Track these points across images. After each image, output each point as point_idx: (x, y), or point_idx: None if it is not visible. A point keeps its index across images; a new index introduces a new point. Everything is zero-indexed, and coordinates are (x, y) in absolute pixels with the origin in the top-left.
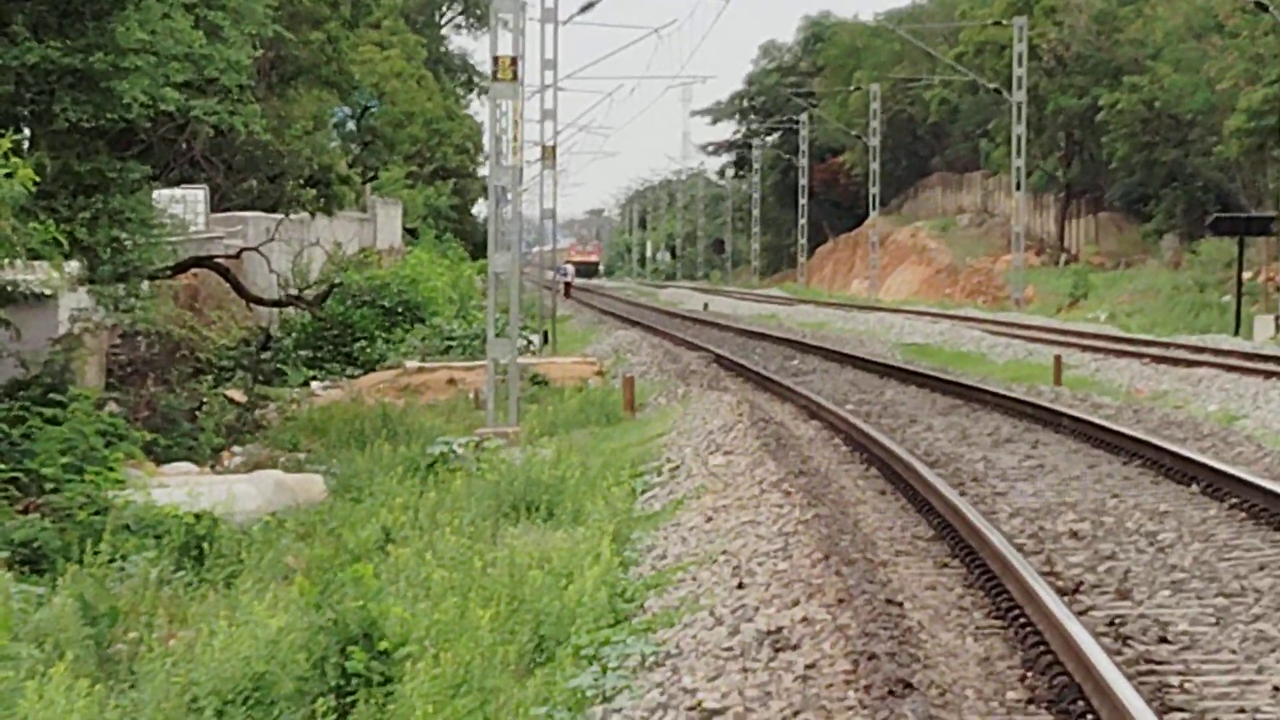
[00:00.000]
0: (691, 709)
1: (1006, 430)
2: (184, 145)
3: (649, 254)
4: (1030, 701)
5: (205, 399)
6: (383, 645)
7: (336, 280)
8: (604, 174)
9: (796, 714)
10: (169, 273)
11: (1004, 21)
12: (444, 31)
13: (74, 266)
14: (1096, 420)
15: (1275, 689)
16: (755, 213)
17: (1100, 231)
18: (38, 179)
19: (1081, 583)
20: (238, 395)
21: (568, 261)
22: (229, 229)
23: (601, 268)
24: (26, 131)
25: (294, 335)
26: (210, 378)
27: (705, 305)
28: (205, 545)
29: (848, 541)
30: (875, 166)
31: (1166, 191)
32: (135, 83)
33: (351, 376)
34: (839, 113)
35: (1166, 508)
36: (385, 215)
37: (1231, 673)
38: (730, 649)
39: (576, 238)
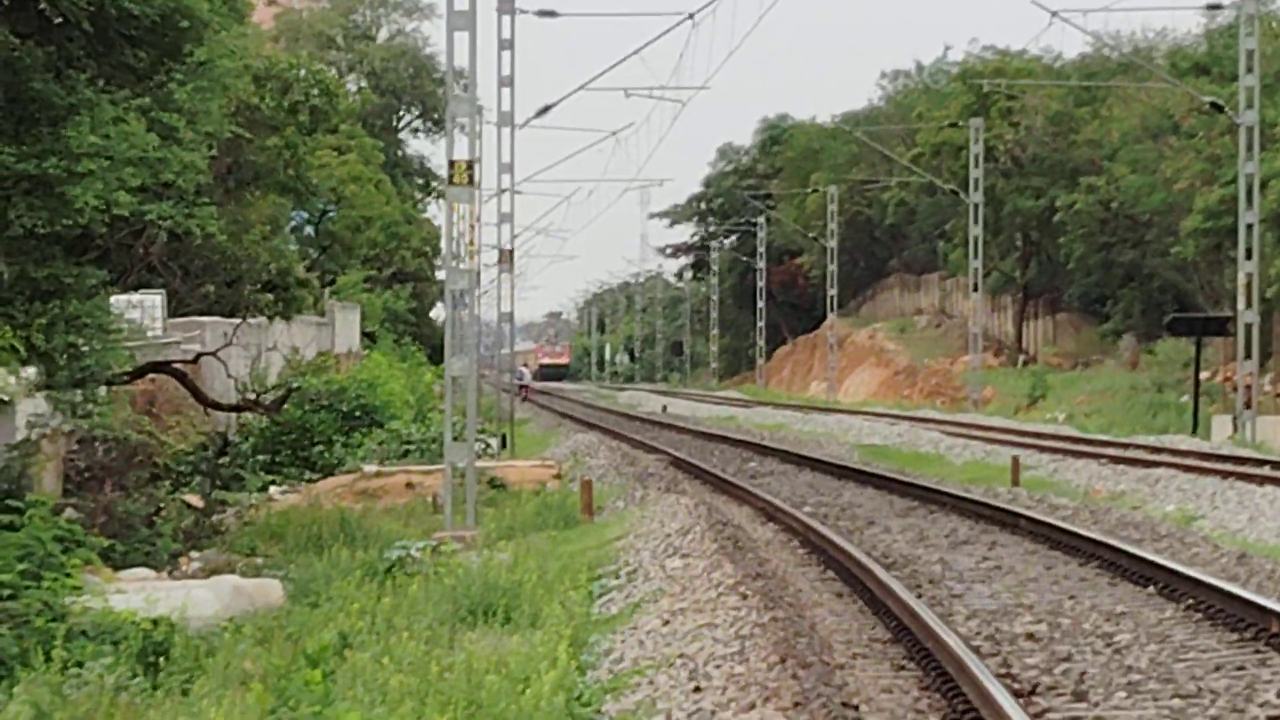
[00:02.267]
0: None
1: (964, 532)
2: (141, 250)
3: (608, 356)
4: None
5: (163, 504)
6: None
7: (294, 385)
8: (563, 277)
9: None
10: (126, 378)
11: (960, 123)
12: (402, 135)
13: (31, 372)
14: (1053, 521)
15: None
16: (714, 315)
17: (1058, 332)
18: None
19: (1038, 684)
20: (195, 500)
21: (537, 363)
22: (186, 334)
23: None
24: None
25: (252, 440)
26: (168, 483)
27: (664, 407)
28: (162, 652)
29: (805, 644)
30: (833, 268)
31: (1124, 292)
32: (89, 188)
33: (309, 481)
34: (796, 214)
35: (1123, 609)
36: (343, 319)
37: None
38: None
39: (544, 338)
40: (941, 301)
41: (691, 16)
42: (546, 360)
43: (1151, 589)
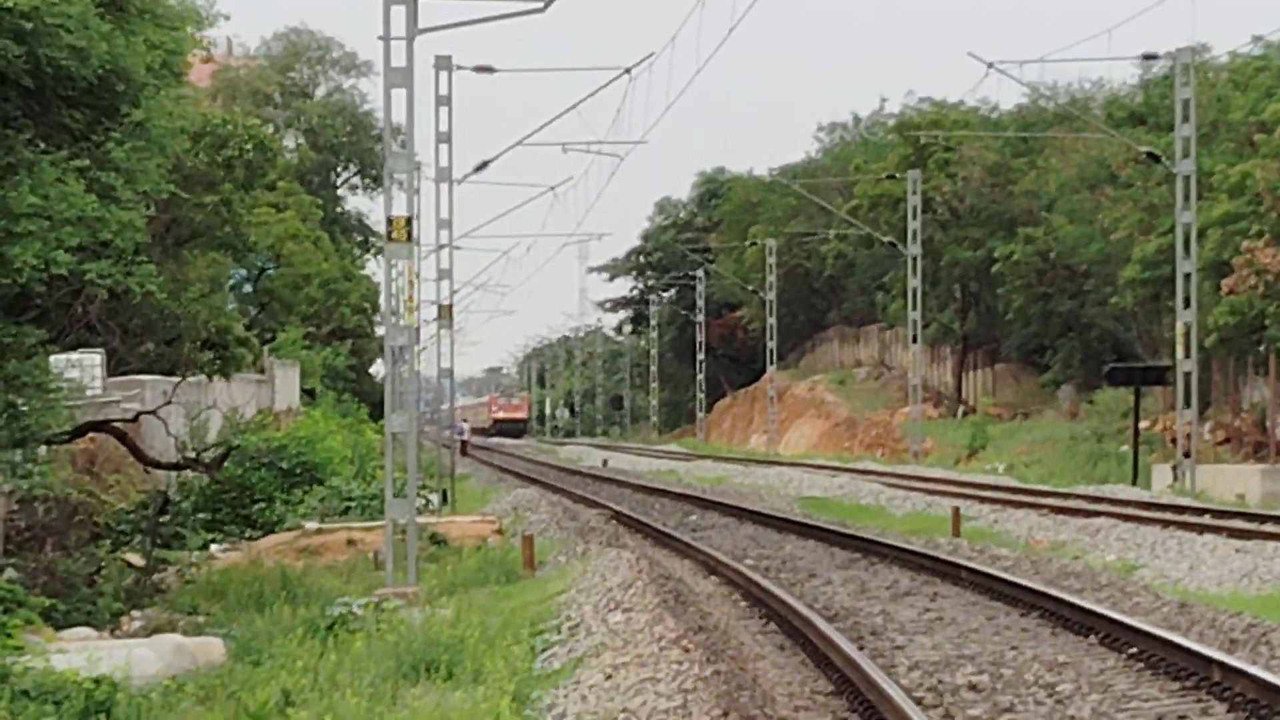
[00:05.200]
0: None
1: (905, 583)
2: (80, 309)
3: (548, 411)
4: None
5: (104, 563)
6: None
7: (234, 443)
8: (502, 332)
9: None
10: (66, 437)
11: (898, 175)
12: (340, 192)
13: None
14: (994, 572)
15: None
16: (653, 369)
17: (998, 382)
18: None
19: None
20: (136, 559)
21: (490, 417)
22: (126, 393)
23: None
24: None
25: (192, 498)
26: (108, 542)
27: (604, 462)
28: (105, 711)
29: (747, 698)
30: (772, 321)
31: (1063, 342)
32: (28, 247)
33: (250, 539)
34: (735, 268)
35: (1065, 659)
36: (283, 377)
37: None
38: None
39: (498, 389)
40: (881, 353)
41: (628, 71)
42: (502, 415)
43: (1093, 639)
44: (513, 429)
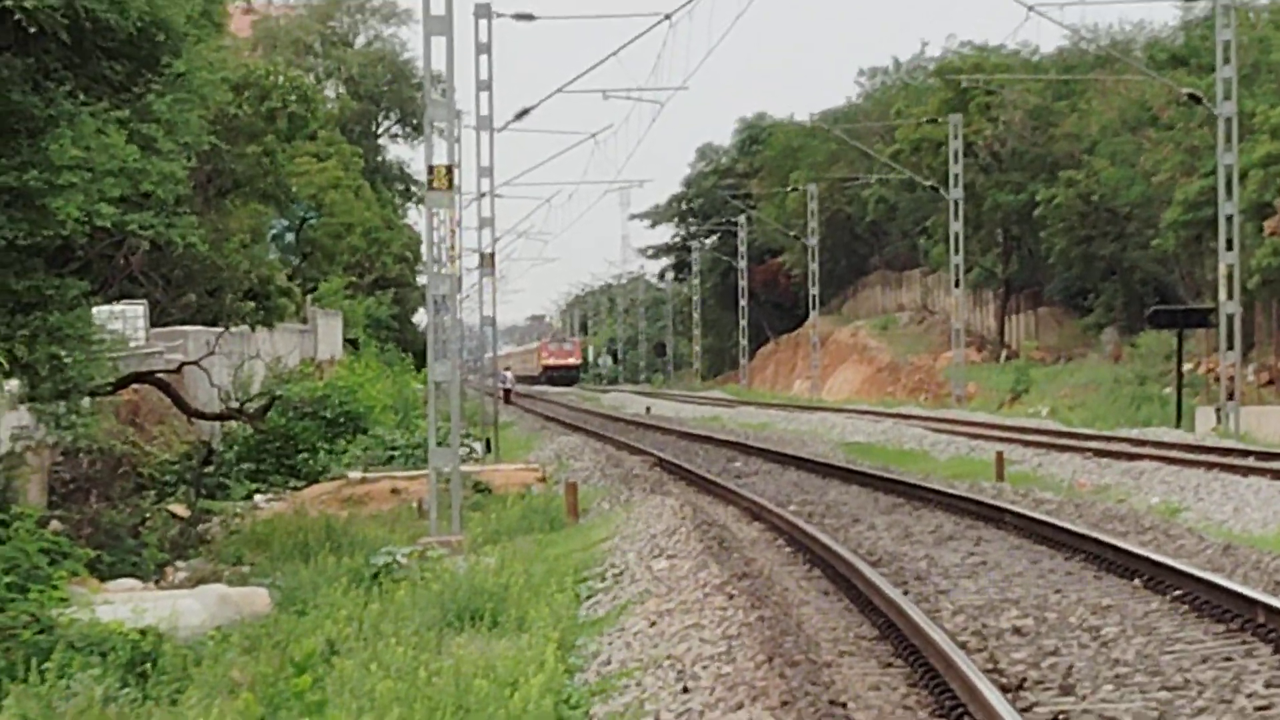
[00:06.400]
0: None
1: (949, 528)
2: (122, 261)
3: (591, 358)
4: None
5: (148, 515)
6: None
7: (278, 393)
8: (544, 279)
9: None
10: (110, 389)
11: (939, 119)
12: (381, 141)
13: (14, 385)
14: (1038, 516)
15: None
16: (696, 315)
17: (1040, 326)
18: None
19: (1025, 679)
20: (181, 510)
21: (540, 364)
22: (169, 344)
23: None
24: None
25: (236, 448)
26: (153, 493)
27: (648, 409)
28: (151, 662)
29: (792, 643)
30: (814, 266)
31: (1105, 285)
32: (70, 199)
33: (295, 489)
34: (777, 213)
35: (1109, 602)
36: (326, 326)
37: None
38: None
39: (549, 335)
40: (923, 298)
41: (668, 17)
42: (553, 361)
43: (1137, 582)
44: (564, 376)
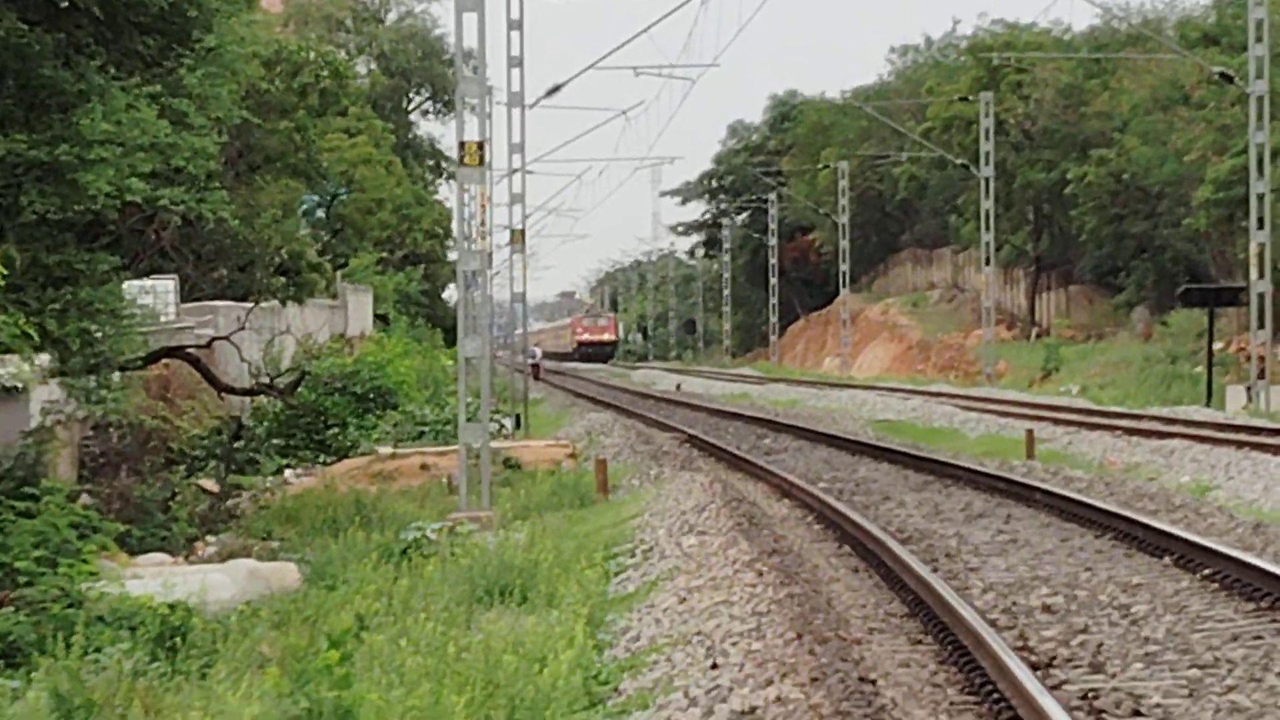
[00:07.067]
0: None
1: (979, 505)
2: (153, 235)
3: (621, 335)
4: None
5: (178, 489)
6: None
7: (308, 368)
8: (574, 256)
9: None
10: (140, 363)
11: (970, 97)
12: (412, 117)
13: (44, 359)
14: (1069, 494)
15: None
16: (726, 292)
17: (1071, 304)
18: (6, 272)
19: (1055, 657)
20: (210, 485)
21: (574, 340)
22: (199, 319)
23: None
24: None
25: (266, 424)
26: (183, 468)
27: (678, 385)
28: (180, 636)
29: (821, 620)
30: (845, 244)
31: (1136, 263)
32: (101, 174)
33: (324, 464)
34: (808, 191)
35: (1139, 580)
36: (356, 302)
37: None
38: None
39: (583, 310)
40: (954, 276)
41: None
42: (587, 336)
43: (1167, 560)
44: (599, 353)
